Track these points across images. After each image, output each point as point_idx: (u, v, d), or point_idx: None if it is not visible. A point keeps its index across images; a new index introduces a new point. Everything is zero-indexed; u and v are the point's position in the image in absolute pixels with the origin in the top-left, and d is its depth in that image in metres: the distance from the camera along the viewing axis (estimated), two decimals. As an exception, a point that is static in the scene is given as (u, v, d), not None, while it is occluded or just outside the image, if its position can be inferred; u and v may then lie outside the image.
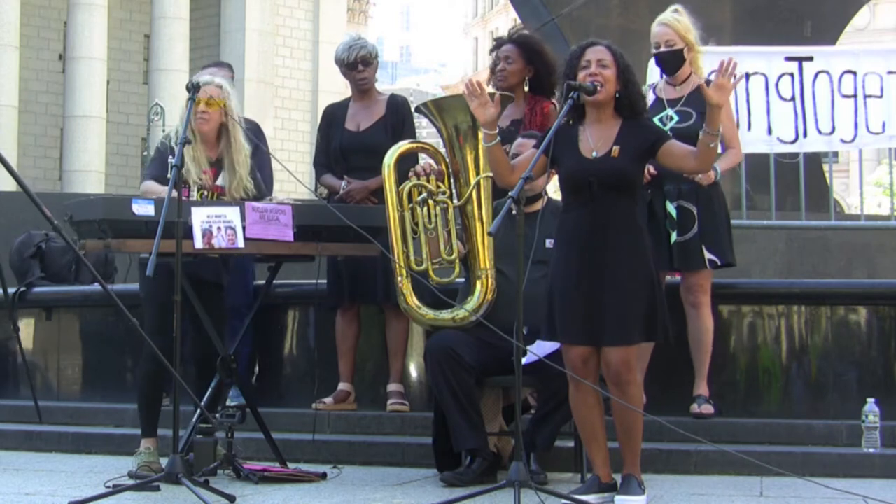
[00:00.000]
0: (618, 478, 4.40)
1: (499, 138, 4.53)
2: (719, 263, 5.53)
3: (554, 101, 6.07)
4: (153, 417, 5.27)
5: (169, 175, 4.78)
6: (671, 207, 5.48)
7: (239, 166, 5.22)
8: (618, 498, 4.32)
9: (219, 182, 5.22)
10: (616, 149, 4.41)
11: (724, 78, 4.26)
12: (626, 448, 4.40)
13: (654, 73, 6.09)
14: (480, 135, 4.72)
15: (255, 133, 6.37)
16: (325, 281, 6.06)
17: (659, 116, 5.48)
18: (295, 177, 5.95)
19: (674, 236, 5.46)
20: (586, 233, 4.38)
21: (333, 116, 6.27)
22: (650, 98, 5.53)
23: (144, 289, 5.27)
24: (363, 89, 6.18)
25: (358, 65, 6.12)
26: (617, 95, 4.47)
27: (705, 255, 5.46)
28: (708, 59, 6.98)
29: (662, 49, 5.52)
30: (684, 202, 5.46)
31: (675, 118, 5.49)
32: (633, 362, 4.35)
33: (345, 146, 6.12)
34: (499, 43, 6.12)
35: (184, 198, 4.81)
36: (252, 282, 6.49)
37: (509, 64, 5.95)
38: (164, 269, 4.73)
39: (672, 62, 5.53)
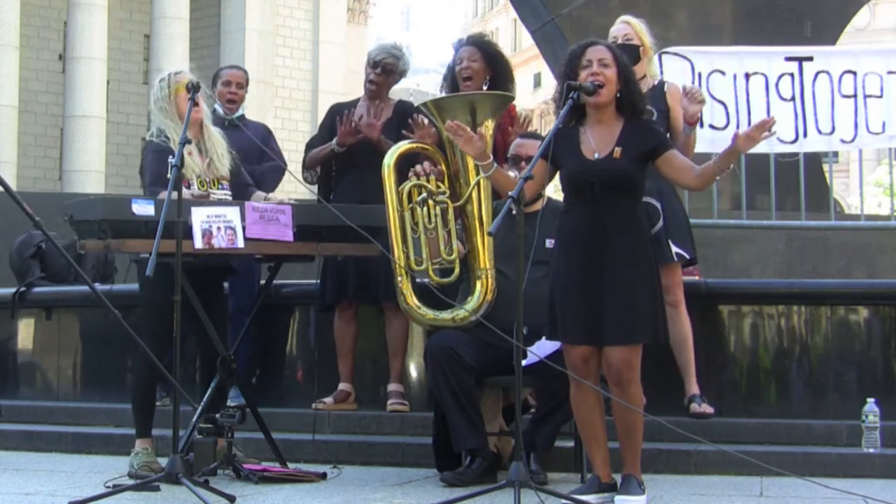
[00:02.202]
0: (618, 478, 4.39)
1: (495, 164, 4.55)
2: (687, 257, 5.54)
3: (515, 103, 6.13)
4: (148, 418, 5.27)
5: (168, 175, 4.77)
6: None
7: (212, 147, 5.26)
8: (618, 498, 4.32)
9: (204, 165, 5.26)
10: (618, 150, 4.40)
11: (757, 131, 4.27)
12: (626, 448, 4.39)
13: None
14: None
15: (265, 135, 6.41)
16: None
17: None
18: (295, 177, 5.95)
19: None
20: (587, 233, 4.37)
21: (339, 115, 6.28)
22: None
23: (145, 290, 5.27)
24: (369, 92, 6.21)
25: (378, 67, 6.15)
26: (618, 95, 4.47)
27: (672, 249, 5.48)
28: (708, 59, 7.05)
29: (620, 42, 5.55)
30: (648, 198, 5.47)
31: None
32: (635, 362, 4.35)
33: (350, 143, 6.13)
34: (458, 46, 6.11)
35: (184, 189, 4.82)
36: (258, 284, 6.50)
37: (473, 62, 5.96)
38: (164, 269, 4.73)
39: (629, 55, 5.55)
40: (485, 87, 6.01)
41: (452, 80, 5.96)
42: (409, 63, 6.36)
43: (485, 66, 5.97)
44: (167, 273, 4.72)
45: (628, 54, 5.54)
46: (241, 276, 5.94)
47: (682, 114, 5.56)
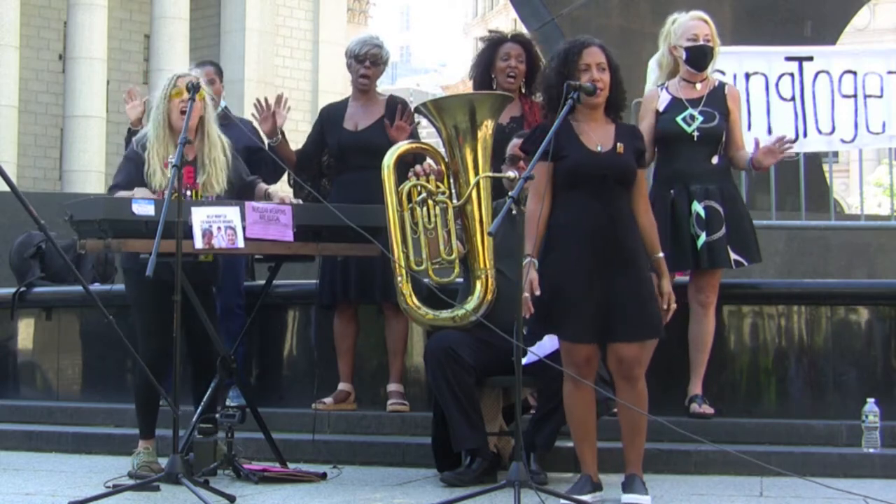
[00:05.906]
0: (615, 478, 4.40)
1: (533, 260, 4.36)
2: (746, 264, 5.53)
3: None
4: (151, 418, 5.27)
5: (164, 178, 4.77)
6: (699, 207, 5.44)
7: (210, 163, 5.14)
8: (625, 497, 4.33)
9: (198, 181, 5.13)
10: (620, 146, 4.44)
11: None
12: (630, 447, 4.40)
13: (653, 73, 6.09)
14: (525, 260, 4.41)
15: (255, 131, 6.37)
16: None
17: (682, 116, 5.48)
18: (295, 177, 5.95)
19: (703, 237, 5.45)
20: (596, 228, 4.36)
21: (328, 117, 6.27)
22: (664, 98, 5.53)
23: (133, 294, 5.23)
24: (361, 88, 6.20)
25: (366, 60, 6.14)
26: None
27: (731, 256, 5.46)
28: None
29: (701, 42, 5.51)
30: (712, 202, 5.45)
31: (700, 118, 5.48)
32: (646, 359, 4.37)
33: (343, 145, 6.13)
34: (498, 40, 6.12)
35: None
36: (243, 281, 6.49)
37: (521, 62, 6.03)
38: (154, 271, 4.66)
39: (710, 57, 5.55)
40: (521, 88, 6.10)
41: (485, 68, 6.06)
42: (389, 52, 6.35)
43: (526, 69, 6.08)
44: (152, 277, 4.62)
45: (711, 56, 5.54)
46: (227, 275, 5.87)
47: (752, 157, 5.48)
